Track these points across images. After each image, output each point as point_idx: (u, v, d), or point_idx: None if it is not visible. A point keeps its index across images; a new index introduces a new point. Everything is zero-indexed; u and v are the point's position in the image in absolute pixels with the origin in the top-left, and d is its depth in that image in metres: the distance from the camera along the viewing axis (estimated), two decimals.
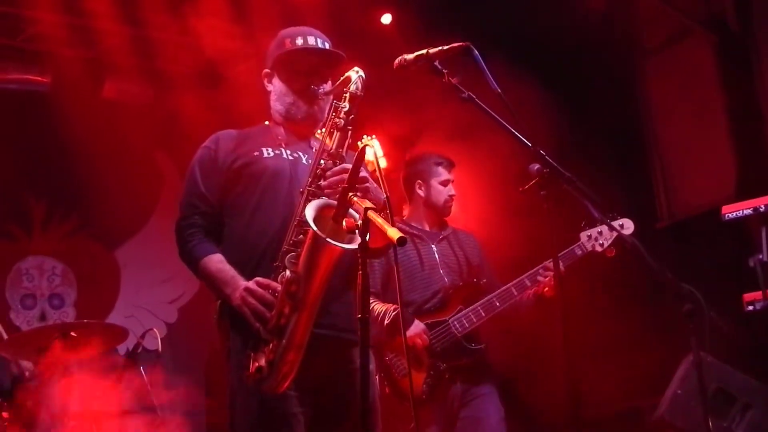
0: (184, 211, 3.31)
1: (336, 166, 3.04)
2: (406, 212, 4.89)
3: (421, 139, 6.09)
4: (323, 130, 3.21)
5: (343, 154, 3.09)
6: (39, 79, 6.66)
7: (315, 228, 2.77)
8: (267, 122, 3.49)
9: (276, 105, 3.41)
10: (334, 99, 3.20)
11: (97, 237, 7.17)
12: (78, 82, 6.61)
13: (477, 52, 2.83)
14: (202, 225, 3.25)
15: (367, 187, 2.95)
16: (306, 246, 2.90)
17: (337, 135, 3.10)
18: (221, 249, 3.22)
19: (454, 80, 2.86)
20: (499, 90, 2.82)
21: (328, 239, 2.77)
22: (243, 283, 3.05)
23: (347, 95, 3.10)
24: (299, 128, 3.39)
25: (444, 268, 4.63)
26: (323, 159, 3.08)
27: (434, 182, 4.78)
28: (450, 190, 4.78)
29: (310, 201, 2.96)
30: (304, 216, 2.87)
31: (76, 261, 7.07)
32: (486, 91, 2.86)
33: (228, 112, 6.34)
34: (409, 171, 4.89)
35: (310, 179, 3.06)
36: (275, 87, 3.42)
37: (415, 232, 4.71)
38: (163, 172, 7.55)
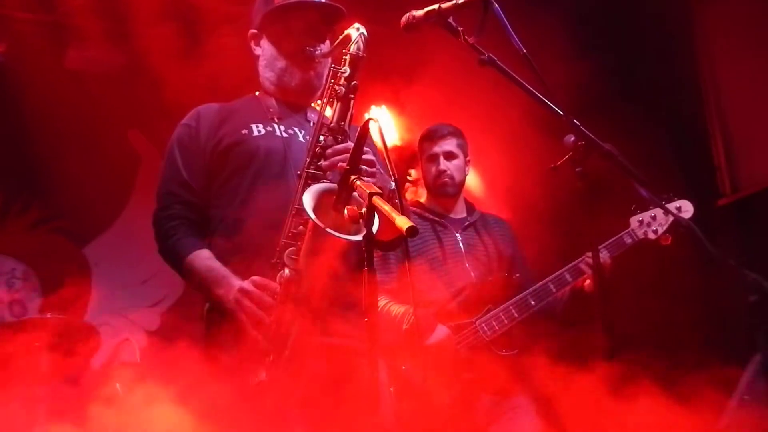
0: (162, 200, 3.34)
1: (338, 143, 3.07)
2: (424, 197, 4.95)
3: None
4: (322, 100, 3.24)
5: (346, 128, 3.12)
6: None
7: (314, 217, 2.80)
8: (257, 93, 3.51)
9: (265, 72, 3.45)
10: (332, 63, 3.23)
11: (62, 231, 7.17)
12: (37, 51, 6.62)
13: (497, 6, 2.84)
14: (184, 216, 3.28)
15: (373, 171, 2.98)
16: (306, 239, 2.93)
17: (337, 106, 3.13)
18: (208, 244, 3.24)
19: (471, 39, 2.87)
20: (524, 50, 2.83)
21: (329, 230, 2.79)
22: (237, 282, 3.08)
23: (347, 57, 3.13)
24: (293, 98, 3.43)
25: (470, 260, 4.67)
26: (323, 135, 3.11)
27: (423, 161, 4.87)
28: (439, 164, 4.78)
29: (309, 185, 2.99)
30: (303, 203, 2.90)
31: (39, 261, 7.05)
32: (509, 51, 2.87)
33: (213, 81, 6.35)
34: (417, 153, 5.02)
35: (308, 159, 3.10)
36: (264, 50, 3.45)
37: (435, 218, 4.76)
38: (138, 153, 7.55)
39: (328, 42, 3.37)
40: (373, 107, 7.12)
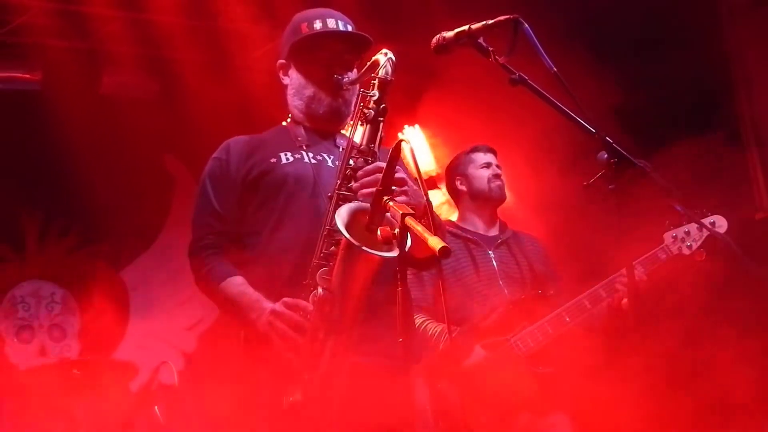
0: (196, 232, 3.39)
1: (368, 164, 3.10)
2: (456, 215, 4.97)
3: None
4: (351, 123, 3.27)
5: (376, 149, 3.14)
6: (28, 76, 6.79)
7: (347, 235, 2.82)
8: (286, 121, 3.55)
9: (294, 100, 3.48)
10: (361, 88, 3.26)
11: (100, 255, 7.27)
12: (72, 78, 6.72)
13: (527, 25, 2.84)
14: (218, 246, 3.33)
15: (405, 189, 2.99)
16: (339, 258, 2.95)
17: (367, 128, 3.15)
18: (242, 272, 3.28)
19: (501, 59, 2.88)
20: (555, 69, 2.83)
21: (363, 247, 2.81)
22: (269, 305, 3.11)
23: (376, 81, 3.16)
24: (322, 126, 3.46)
25: (503, 277, 4.68)
26: (352, 157, 3.14)
27: (471, 169, 4.93)
28: (493, 170, 4.91)
29: (340, 206, 3.01)
30: (335, 223, 2.92)
31: (78, 285, 7.14)
32: (540, 69, 2.88)
33: (246, 106, 6.42)
34: (447, 176, 5.10)
35: (338, 181, 3.12)
36: (292, 80, 3.49)
37: (468, 236, 4.79)
38: (173, 176, 7.64)
39: (355, 70, 3.39)
40: (406, 127, 7.16)
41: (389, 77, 3.14)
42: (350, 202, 3.03)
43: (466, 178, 4.95)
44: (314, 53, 3.39)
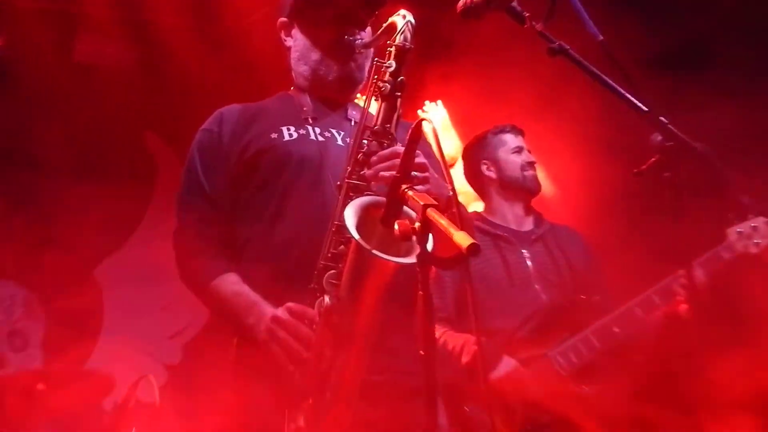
0: (182, 215, 3.38)
1: (383, 148, 3.06)
2: (482, 208, 4.95)
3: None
4: (363, 98, 3.25)
5: (393, 130, 3.09)
6: None
7: (358, 236, 2.79)
8: (290, 90, 3.54)
9: (298, 65, 3.47)
10: (375, 56, 3.23)
11: (70, 251, 7.23)
12: (41, 43, 6.70)
13: None
14: (207, 235, 3.30)
15: (426, 176, 2.96)
16: (349, 260, 2.92)
17: (382, 105, 3.11)
18: (235, 267, 3.26)
19: (538, 26, 2.87)
20: (601, 36, 2.82)
21: (375, 251, 2.78)
22: (270, 310, 3.08)
23: (392, 50, 3.11)
24: (331, 94, 3.45)
25: (540, 280, 4.67)
26: (366, 139, 3.10)
27: (502, 153, 4.97)
28: (527, 156, 4.95)
29: (351, 198, 2.98)
30: (344, 219, 2.88)
31: (43, 285, 7.15)
32: (583, 38, 2.86)
33: (241, 77, 6.41)
34: (468, 159, 5.11)
35: (349, 168, 3.08)
36: (296, 41, 3.48)
37: (498, 231, 4.77)
38: (155, 159, 7.66)
39: (369, 30, 3.37)
40: (426, 103, 7.15)
41: (408, 44, 3.10)
42: (362, 193, 3.00)
43: (496, 163, 4.95)
44: (321, 10, 3.38)
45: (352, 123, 3.39)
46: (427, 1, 4.99)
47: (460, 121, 6.96)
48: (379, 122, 3.10)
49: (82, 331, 7.11)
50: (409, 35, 3.10)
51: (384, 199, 2.80)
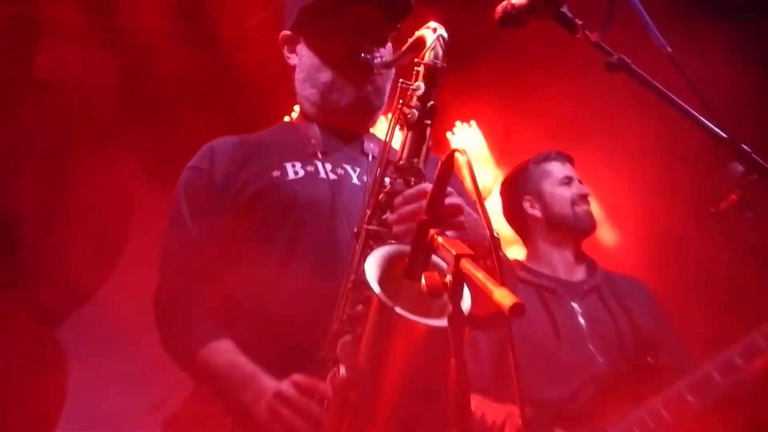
0: (167, 272, 3.37)
1: (410, 186, 3.05)
2: (524, 254, 4.96)
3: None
4: (387, 124, 3.23)
5: (421, 166, 3.09)
6: None
7: (381, 293, 2.78)
8: (290, 116, 3.54)
9: (304, 88, 3.48)
10: (399, 77, 3.21)
11: (27, 304, 7.24)
12: None
13: None
14: (196, 294, 3.29)
15: (460, 221, 2.96)
16: (369, 324, 2.90)
17: (408, 136, 3.10)
18: (230, 333, 3.24)
19: (593, 36, 2.87)
20: (669, 48, 2.82)
21: (400, 311, 2.77)
22: (272, 384, 3.07)
23: (420, 69, 3.12)
24: (344, 124, 3.45)
25: (595, 339, 4.66)
26: (388, 176, 3.10)
27: (547, 186, 4.97)
28: (578, 188, 4.96)
29: (370, 248, 2.98)
30: (363, 273, 2.86)
31: None
32: (647, 50, 2.86)
33: (233, 95, 6.44)
34: (508, 196, 5.14)
35: (368, 211, 3.08)
36: (302, 59, 3.49)
37: (544, 282, 4.78)
38: (131, 193, 7.64)
39: (390, 46, 3.38)
40: (457, 124, 7.16)
41: (440, 63, 3.10)
42: (384, 241, 2.99)
43: (541, 199, 4.96)
44: (332, 21, 3.39)
45: (370, 158, 3.40)
46: (457, 6, 5.04)
47: (497, 145, 6.97)
48: (404, 156, 3.09)
49: (42, 403, 7.07)
50: (440, 52, 3.11)
51: (409, 248, 2.78)
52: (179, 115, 6.58)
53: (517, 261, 4.96)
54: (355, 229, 3.10)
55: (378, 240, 3.02)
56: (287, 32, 3.52)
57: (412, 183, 3.06)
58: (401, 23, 3.41)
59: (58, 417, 7.16)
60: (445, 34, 3.12)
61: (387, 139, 3.17)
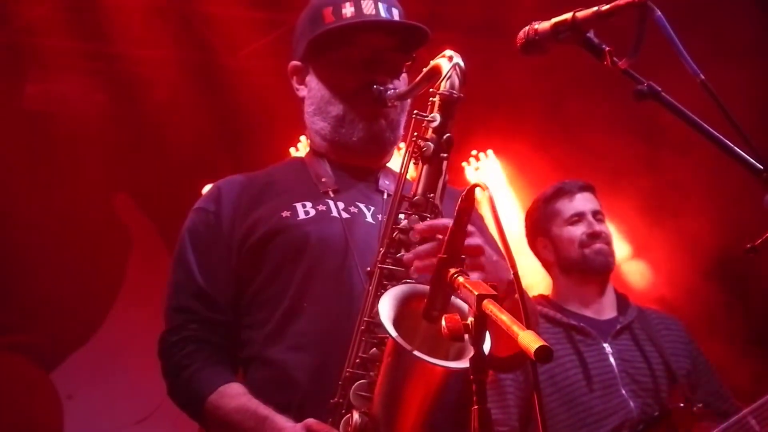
0: (172, 320, 3.36)
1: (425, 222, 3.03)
2: (551, 291, 4.98)
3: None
4: (402, 158, 3.24)
5: (438, 201, 3.09)
6: None
7: (396, 335, 2.78)
8: (296, 148, 3.54)
9: (314, 121, 3.47)
10: (414, 108, 3.21)
11: (22, 349, 7.23)
12: None
13: (660, 13, 2.82)
14: (204, 340, 3.30)
15: (481, 261, 2.96)
16: (384, 367, 2.90)
17: (423, 170, 3.10)
18: (240, 379, 3.25)
19: (622, 63, 2.87)
20: (702, 76, 2.82)
21: (418, 353, 2.77)
22: (288, 426, 3.06)
23: (436, 99, 3.11)
24: (356, 160, 3.44)
25: (628, 382, 4.64)
26: (403, 212, 3.10)
27: (555, 228, 4.94)
28: (588, 225, 4.89)
29: (384, 287, 2.98)
30: (377, 315, 2.87)
31: None
32: (679, 77, 2.86)
33: (231, 126, 6.45)
34: (527, 235, 5.12)
35: (382, 249, 3.07)
36: (311, 91, 3.48)
37: (572, 321, 4.77)
38: (128, 228, 7.64)
39: (405, 77, 3.39)
40: (474, 154, 7.15)
41: (456, 93, 3.10)
42: (399, 280, 2.98)
43: (551, 241, 4.95)
44: (343, 52, 3.38)
45: (385, 195, 3.38)
46: (475, 31, 5.05)
47: (519, 176, 6.95)
48: (419, 191, 3.08)
49: None
50: (457, 82, 3.10)
51: (427, 288, 2.77)
52: (175, 145, 6.57)
53: (543, 297, 4.95)
54: (369, 269, 3.09)
55: (392, 279, 3.01)
56: (297, 63, 3.51)
57: (428, 219, 3.05)
58: (416, 51, 3.41)
59: None
60: (462, 63, 3.11)
61: (401, 174, 3.17)
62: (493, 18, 5.26)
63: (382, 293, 2.93)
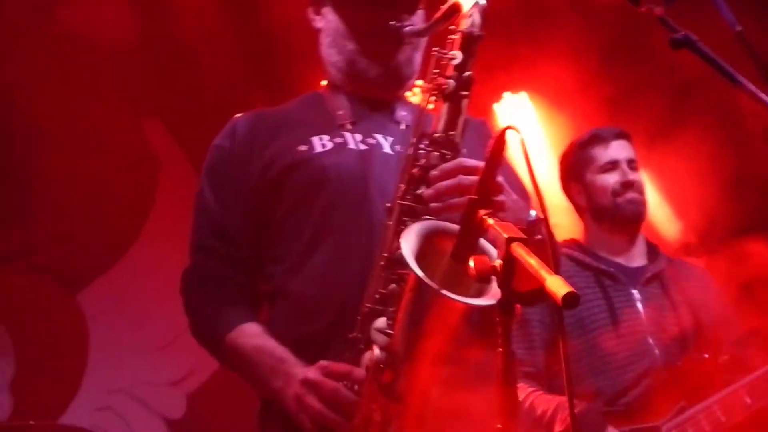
0: (194, 257, 3.41)
1: (446, 161, 3.01)
2: (582, 236, 4.97)
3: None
4: (418, 91, 3.25)
5: (458, 138, 3.06)
6: None
7: (419, 270, 2.76)
8: (322, 84, 3.51)
9: (331, 54, 3.46)
10: (435, 47, 3.15)
11: (48, 270, 7.29)
12: (11, 9, 6.75)
13: None
14: (224, 276, 3.33)
15: (501, 200, 2.94)
16: (404, 302, 2.89)
17: (445, 108, 3.08)
18: (261, 316, 3.27)
19: (658, 10, 2.85)
20: (740, 27, 2.79)
21: (445, 291, 2.75)
22: (300, 371, 3.07)
23: (456, 37, 3.08)
24: (373, 92, 3.43)
25: (654, 331, 4.64)
26: (423, 149, 3.07)
27: (589, 174, 4.93)
28: (623, 173, 4.87)
29: (404, 224, 2.96)
30: (398, 250, 2.87)
31: (14, 312, 7.14)
32: (716, 28, 2.84)
33: (264, 54, 6.42)
34: (561, 179, 5.11)
35: (402, 186, 3.06)
36: (328, 23, 3.45)
37: (602, 265, 4.77)
38: (158, 154, 7.65)
39: (421, 12, 3.36)
40: (506, 96, 7.11)
41: (477, 31, 3.07)
42: (419, 216, 2.98)
43: (585, 188, 4.94)
44: None
45: (402, 126, 3.38)
46: None
47: (549, 119, 6.91)
48: (440, 128, 3.07)
49: (61, 374, 7.09)
50: (478, 19, 3.07)
51: (449, 225, 2.82)
52: (206, 76, 6.56)
53: (574, 241, 4.95)
54: (389, 204, 3.08)
55: (412, 215, 3.01)
56: None
57: (448, 157, 3.03)
58: None
59: (78, 384, 7.19)
60: (484, 1, 3.08)
61: (420, 107, 3.16)
62: None
63: (402, 229, 2.92)
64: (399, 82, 3.42)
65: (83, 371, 7.25)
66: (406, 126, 3.34)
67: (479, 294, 2.76)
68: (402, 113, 3.44)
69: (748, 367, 4.48)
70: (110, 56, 7.10)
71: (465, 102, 3.07)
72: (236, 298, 3.31)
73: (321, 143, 3.34)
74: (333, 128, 3.37)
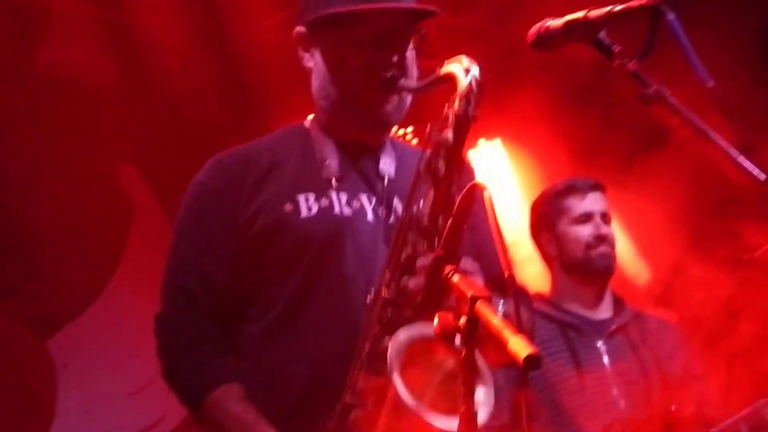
0: (170, 299, 3.33)
1: (433, 248, 2.93)
2: (548, 286, 5.01)
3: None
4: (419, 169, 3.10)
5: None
6: None
7: (404, 392, 2.73)
8: (309, 119, 3.46)
9: (319, 94, 3.40)
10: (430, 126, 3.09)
11: (18, 315, 7.22)
12: None
13: (673, 17, 2.80)
14: (204, 325, 3.27)
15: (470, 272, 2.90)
16: (385, 410, 2.82)
17: (432, 193, 3.02)
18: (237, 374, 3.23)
19: (631, 65, 2.85)
20: (712, 82, 2.80)
21: (426, 416, 2.73)
22: None
23: (451, 116, 3.03)
24: (358, 135, 3.39)
25: (619, 382, 4.68)
26: (410, 231, 3.02)
27: (562, 225, 4.94)
28: (596, 226, 4.89)
29: (386, 317, 2.95)
30: (382, 344, 2.88)
31: None
32: (688, 82, 2.84)
33: (243, 99, 6.42)
34: (531, 227, 5.12)
35: (388, 273, 3.01)
36: (317, 65, 3.39)
37: (567, 319, 4.80)
38: (132, 200, 7.62)
39: (412, 51, 3.31)
40: (481, 142, 7.13)
41: (471, 112, 3.03)
42: (403, 314, 2.94)
43: (556, 237, 4.96)
44: (350, 33, 3.27)
45: (386, 181, 3.33)
46: (483, 9, 4.99)
47: (526, 166, 6.93)
48: (426, 217, 3.01)
49: (28, 423, 7.03)
50: (473, 98, 3.02)
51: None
52: (185, 119, 6.55)
53: (539, 294, 4.95)
54: (371, 296, 3.04)
55: (394, 312, 2.97)
56: (301, 29, 3.41)
57: (435, 243, 2.96)
58: (420, 23, 3.32)
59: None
60: (478, 75, 3.04)
61: (410, 198, 3.08)
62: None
63: (384, 317, 2.95)
64: (386, 129, 3.41)
65: (50, 421, 7.16)
66: (389, 181, 3.30)
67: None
68: (386, 162, 3.39)
69: (713, 420, 4.50)
70: (88, 99, 7.07)
71: (454, 188, 2.99)
72: (216, 348, 3.26)
73: (307, 205, 3.26)
74: (319, 183, 3.30)
